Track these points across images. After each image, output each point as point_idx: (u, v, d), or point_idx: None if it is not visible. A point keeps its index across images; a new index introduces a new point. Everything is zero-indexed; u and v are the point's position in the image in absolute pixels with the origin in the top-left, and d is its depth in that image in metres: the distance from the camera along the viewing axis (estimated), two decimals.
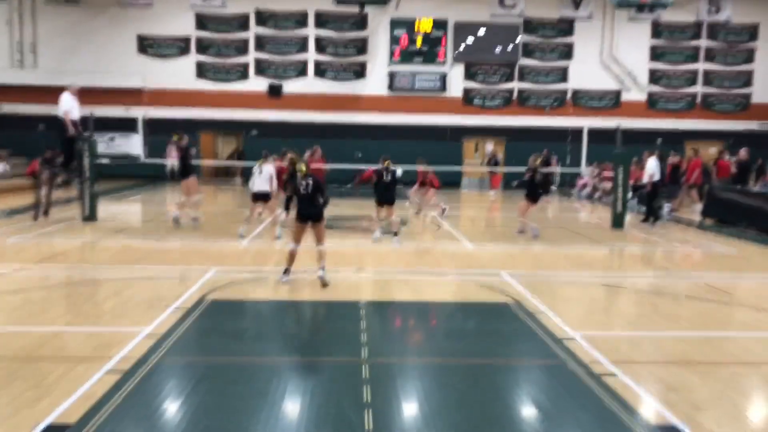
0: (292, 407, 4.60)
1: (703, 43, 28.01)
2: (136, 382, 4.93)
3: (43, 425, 4.17)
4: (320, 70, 27.48)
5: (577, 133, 24.69)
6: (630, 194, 19.34)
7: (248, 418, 4.38)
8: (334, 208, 14.98)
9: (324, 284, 8.21)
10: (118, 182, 22.51)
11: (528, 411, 4.62)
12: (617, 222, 14.44)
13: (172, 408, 4.54)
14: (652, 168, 15.37)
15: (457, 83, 27.74)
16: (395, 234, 11.70)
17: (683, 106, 28.23)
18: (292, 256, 8.43)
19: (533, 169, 13.15)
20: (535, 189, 13.15)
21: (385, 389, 4.92)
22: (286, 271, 8.42)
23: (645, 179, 15.70)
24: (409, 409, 4.62)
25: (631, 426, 4.37)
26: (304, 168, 8.40)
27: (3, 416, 4.30)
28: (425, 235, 13.41)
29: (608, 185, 19.86)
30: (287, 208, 12.33)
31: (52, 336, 6.04)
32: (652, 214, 15.44)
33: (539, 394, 4.93)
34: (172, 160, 23.67)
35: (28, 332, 6.13)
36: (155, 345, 5.77)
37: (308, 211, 8.35)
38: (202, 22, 27.08)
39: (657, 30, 27.85)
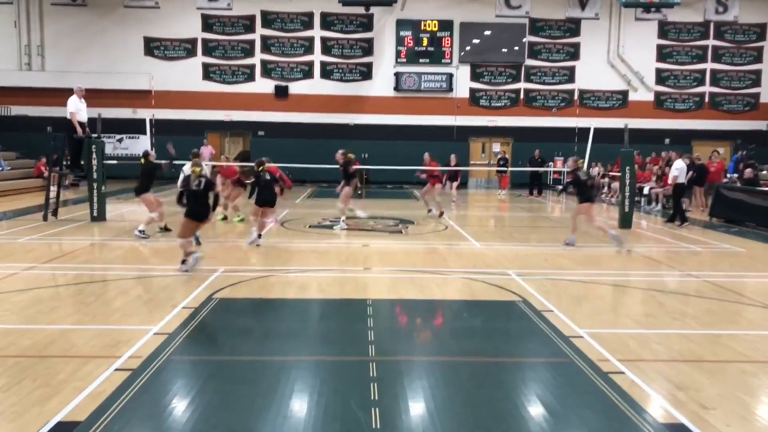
0: (299, 405, 4.61)
1: (711, 42, 27.92)
2: (144, 380, 4.95)
3: (52, 423, 4.18)
4: (326, 71, 27.53)
5: (584, 132, 24.65)
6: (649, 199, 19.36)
7: (256, 416, 4.39)
8: (335, 209, 15.00)
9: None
10: (126, 183, 22.60)
11: (535, 409, 4.61)
12: (625, 221, 14.39)
13: (180, 406, 4.55)
14: (678, 169, 15.17)
15: (463, 84, 27.73)
16: (259, 236, 11.34)
17: (691, 105, 28.13)
18: (186, 247, 9.03)
19: (576, 170, 12.10)
20: (588, 190, 11.83)
21: (392, 387, 4.92)
22: (184, 262, 8.96)
23: (670, 180, 15.56)
24: (417, 407, 4.62)
25: (639, 424, 4.35)
26: (198, 169, 9.04)
27: (13, 414, 4.33)
28: (433, 235, 13.41)
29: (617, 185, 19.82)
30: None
31: (60, 334, 6.07)
32: (679, 215, 15.12)
33: (546, 392, 4.92)
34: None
35: (38, 331, 6.17)
36: (163, 343, 5.79)
37: (202, 210, 9.04)
38: (208, 23, 27.19)
39: (664, 30, 27.77)
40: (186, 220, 9.07)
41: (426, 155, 16.34)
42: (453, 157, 18.33)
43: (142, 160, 12.25)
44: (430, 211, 16.29)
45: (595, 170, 23.37)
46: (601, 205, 20.12)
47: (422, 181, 17.51)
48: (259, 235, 11.27)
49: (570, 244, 11.74)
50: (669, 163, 20.03)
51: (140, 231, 11.75)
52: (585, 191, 11.71)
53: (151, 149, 14.26)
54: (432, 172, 16.15)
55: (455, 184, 18.88)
